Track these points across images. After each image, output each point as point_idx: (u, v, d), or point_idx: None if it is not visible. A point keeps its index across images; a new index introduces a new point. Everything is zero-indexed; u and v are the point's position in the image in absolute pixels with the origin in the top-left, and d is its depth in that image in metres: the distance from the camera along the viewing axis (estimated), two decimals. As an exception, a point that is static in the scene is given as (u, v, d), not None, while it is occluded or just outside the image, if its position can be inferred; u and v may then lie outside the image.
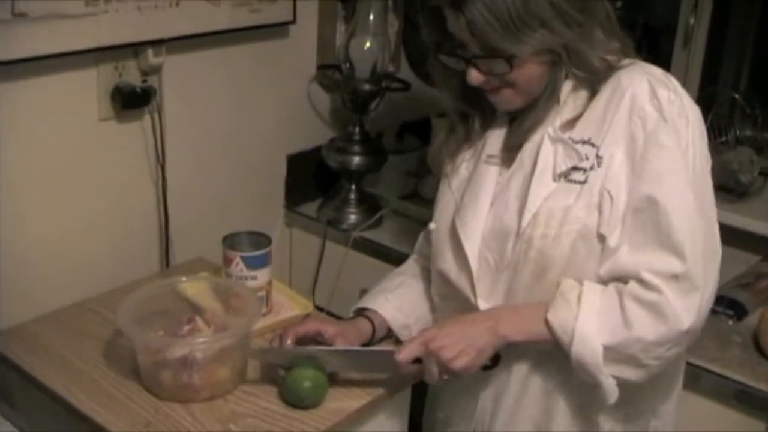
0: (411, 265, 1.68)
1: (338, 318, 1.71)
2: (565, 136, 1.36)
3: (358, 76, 2.09)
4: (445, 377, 1.39)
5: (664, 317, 1.28)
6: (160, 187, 1.89)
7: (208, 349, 1.43)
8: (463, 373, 1.38)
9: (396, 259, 1.74)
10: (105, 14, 1.64)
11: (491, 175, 1.46)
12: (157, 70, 1.81)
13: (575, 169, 1.34)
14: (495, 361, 1.41)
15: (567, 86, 1.37)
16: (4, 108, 1.60)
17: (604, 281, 1.34)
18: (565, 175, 1.35)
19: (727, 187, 1.99)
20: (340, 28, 2.20)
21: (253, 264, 1.61)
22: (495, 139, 1.48)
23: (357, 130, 2.16)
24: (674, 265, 1.28)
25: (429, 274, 1.60)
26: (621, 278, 1.32)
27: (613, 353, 1.30)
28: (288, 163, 2.23)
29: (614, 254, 1.32)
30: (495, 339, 1.37)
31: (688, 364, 1.58)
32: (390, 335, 1.59)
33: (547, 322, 1.33)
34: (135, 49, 1.76)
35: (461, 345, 1.36)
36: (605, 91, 1.35)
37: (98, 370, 1.50)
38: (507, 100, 1.40)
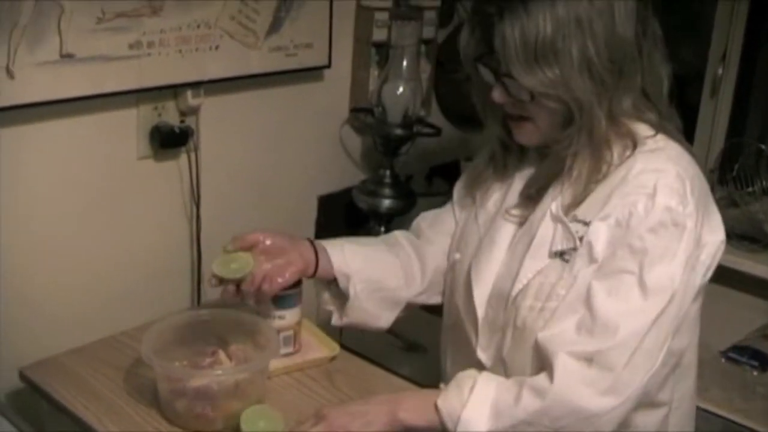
0: (393, 235, 1.67)
1: (366, 359, 1.73)
2: (569, 216, 1.34)
3: (390, 120, 2.13)
4: None
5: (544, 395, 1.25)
6: (194, 224, 1.93)
7: (223, 382, 1.45)
8: None
9: (423, 300, 1.75)
10: (147, 57, 1.70)
11: (506, 231, 1.45)
12: (195, 111, 1.86)
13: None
14: None
15: (582, 157, 1.33)
16: (49, 144, 1.65)
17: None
18: (561, 254, 1.34)
19: (752, 237, 2.00)
20: (374, 73, 2.24)
21: (282, 304, 1.62)
22: (515, 191, 1.47)
23: (387, 173, 2.19)
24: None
25: (407, 249, 1.61)
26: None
27: None
28: (319, 203, 2.25)
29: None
30: (393, 422, 1.34)
31: (713, 414, 1.59)
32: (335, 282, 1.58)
33: (436, 408, 1.31)
34: (174, 90, 1.81)
35: (357, 424, 1.35)
36: (617, 175, 1.31)
37: (130, 402, 1.51)
38: (527, 133, 1.38)
